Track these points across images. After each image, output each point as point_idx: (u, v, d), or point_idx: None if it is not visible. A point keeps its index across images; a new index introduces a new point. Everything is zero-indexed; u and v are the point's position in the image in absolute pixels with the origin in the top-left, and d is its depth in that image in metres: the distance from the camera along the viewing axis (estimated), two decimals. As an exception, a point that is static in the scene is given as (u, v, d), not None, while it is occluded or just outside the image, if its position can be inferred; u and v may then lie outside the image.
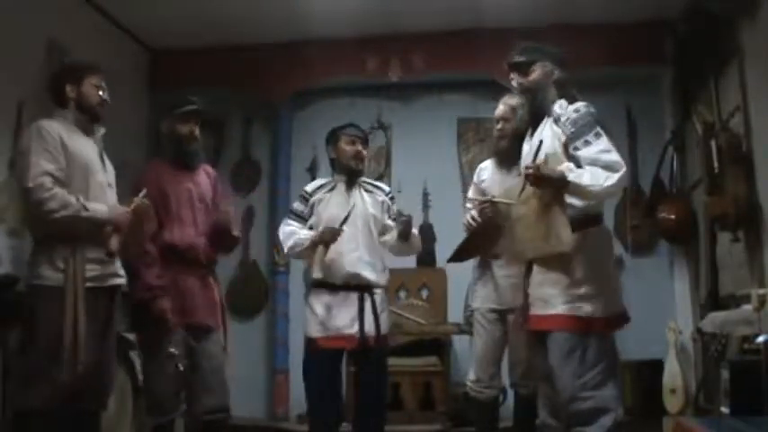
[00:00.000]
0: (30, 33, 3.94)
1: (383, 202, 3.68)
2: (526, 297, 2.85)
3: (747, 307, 3.45)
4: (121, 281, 3.09)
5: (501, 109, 3.55)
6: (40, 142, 2.86)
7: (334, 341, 3.45)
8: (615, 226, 5.16)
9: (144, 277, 3.12)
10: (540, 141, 2.79)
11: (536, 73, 2.87)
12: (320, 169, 5.27)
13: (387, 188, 3.82)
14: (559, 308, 2.68)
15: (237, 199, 5.59)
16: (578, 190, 2.60)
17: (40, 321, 2.82)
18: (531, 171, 2.63)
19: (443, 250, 4.71)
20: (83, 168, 2.94)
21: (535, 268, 2.80)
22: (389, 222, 3.66)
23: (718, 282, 4.33)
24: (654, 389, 4.71)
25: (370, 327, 3.46)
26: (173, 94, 3.69)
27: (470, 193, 3.68)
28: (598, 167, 2.59)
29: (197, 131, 3.39)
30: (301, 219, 3.61)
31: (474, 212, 3.37)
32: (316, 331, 3.47)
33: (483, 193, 3.56)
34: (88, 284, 2.88)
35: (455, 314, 4.79)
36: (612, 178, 2.57)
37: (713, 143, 4.13)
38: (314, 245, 3.44)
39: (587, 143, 2.64)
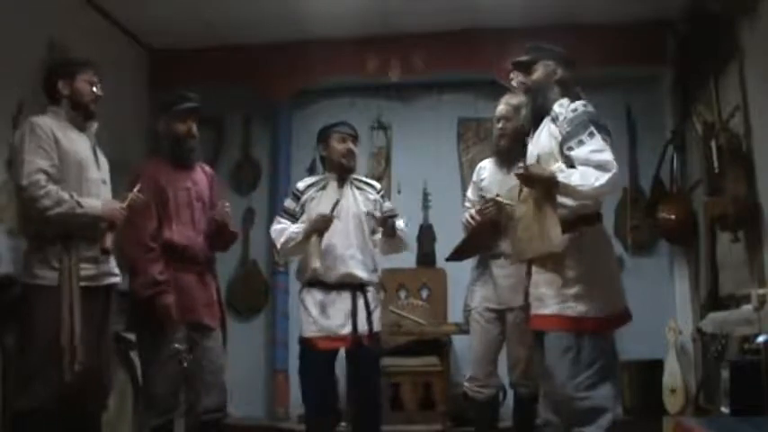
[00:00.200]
0: (30, 33, 3.94)
1: (375, 200, 3.68)
2: (526, 296, 2.87)
3: (747, 307, 3.45)
4: (116, 279, 3.09)
5: (502, 108, 3.55)
6: (34, 139, 2.86)
7: (329, 342, 3.47)
8: (615, 226, 5.17)
9: (148, 273, 3.11)
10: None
11: (538, 72, 2.87)
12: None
13: (378, 185, 3.83)
14: (553, 308, 2.70)
15: (237, 199, 5.60)
16: (568, 190, 2.61)
17: (35, 321, 2.81)
18: (520, 171, 2.66)
19: (443, 250, 4.70)
20: (76, 165, 2.94)
21: (533, 268, 2.82)
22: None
23: (718, 282, 4.33)
24: (654, 389, 4.72)
25: (363, 325, 3.48)
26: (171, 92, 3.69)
27: (469, 193, 3.69)
28: (590, 167, 2.59)
29: (195, 129, 3.38)
30: (293, 217, 3.62)
31: (473, 212, 3.38)
32: (310, 331, 3.49)
33: (482, 192, 3.57)
34: (83, 284, 2.87)
35: (455, 314, 4.80)
36: (603, 178, 2.56)
37: (713, 143, 4.13)
38: (307, 236, 3.45)
39: (581, 143, 2.64)
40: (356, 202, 3.62)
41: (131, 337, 3.53)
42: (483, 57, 5.18)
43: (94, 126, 3.10)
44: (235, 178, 5.69)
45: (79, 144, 2.99)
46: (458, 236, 3.46)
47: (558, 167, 2.65)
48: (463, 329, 4.25)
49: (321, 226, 3.43)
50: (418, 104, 5.67)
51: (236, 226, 5.38)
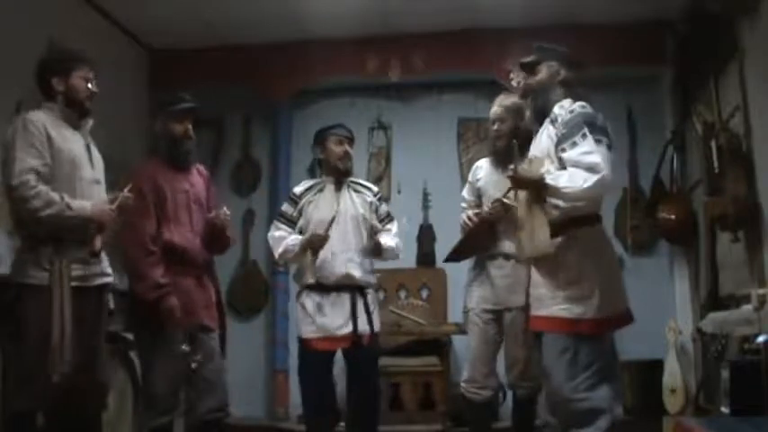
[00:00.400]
0: (30, 33, 3.93)
1: (371, 203, 3.70)
2: (527, 297, 2.88)
3: (747, 307, 3.45)
4: (108, 280, 3.07)
5: (495, 110, 3.55)
6: (26, 137, 2.82)
7: (329, 342, 3.48)
8: (615, 226, 5.17)
9: (150, 276, 3.10)
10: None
11: (542, 73, 2.86)
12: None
13: (375, 188, 3.85)
14: (549, 309, 2.70)
15: (237, 199, 5.60)
16: (556, 192, 2.61)
17: (25, 320, 2.80)
18: (511, 173, 2.68)
19: (443, 250, 4.70)
20: (69, 164, 2.90)
21: (532, 269, 2.82)
22: (377, 224, 3.68)
23: (718, 282, 4.33)
24: (654, 389, 4.72)
25: (363, 326, 3.49)
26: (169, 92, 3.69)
27: (465, 192, 3.68)
28: (580, 169, 2.58)
29: (191, 130, 3.37)
30: (290, 222, 3.64)
31: (470, 212, 3.38)
32: (309, 332, 3.50)
33: (478, 192, 3.57)
34: (75, 284, 2.86)
35: (455, 314, 4.79)
36: (590, 180, 2.55)
37: (713, 143, 4.14)
38: (303, 250, 3.47)
39: (574, 144, 2.63)
40: (354, 204, 3.63)
41: (131, 337, 3.53)
42: (483, 57, 5.19)
43: (89, 123, 3.06)
44: (235, 179, 5.70)
45: (73, 142, 2.95)
46: (458, 236, 3.46)
47: (546, 169, 2.66)
48: (463, 329, 4.23)
49: (316, 245, 3.46)
50: (418, 104, 5.67)
51: (236, 227, 5.48)
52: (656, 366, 4.77)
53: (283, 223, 3.64)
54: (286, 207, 3.70)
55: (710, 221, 4.29)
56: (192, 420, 3.23)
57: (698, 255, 4.78)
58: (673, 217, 4.83)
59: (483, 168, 3.61)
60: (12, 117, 3.58)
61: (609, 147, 2.65)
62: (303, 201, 3.65)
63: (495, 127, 3.54)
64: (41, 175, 2.81)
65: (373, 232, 3.63)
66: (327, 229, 3.49)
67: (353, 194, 3.67)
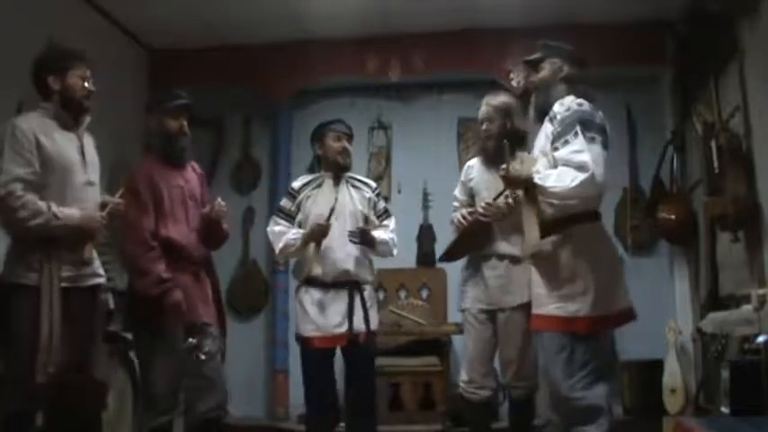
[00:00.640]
0: (30, 33, 3.93)
1: (369, 199, 3.70)
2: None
3: (747, 307, 3.45)
4: (101, 280, 3.07)
5: (483, 110, 3.56)
6: (13, 145, 2.80)
7: (326, 340, 3.49)
8: (615, 226, 5.17)
9: (153, 271, 3.09)
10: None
11: (545, 70, 2.86)
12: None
13: (373, 184, 3.85)
14: (547, 308, 2.71)
15: (237, 199, 5.60)
16: (544, 191, 2.62)
17: (16, 321, 2.80)
18: (503, 173, 2.70)
19: (443, 250, 4.71)
20: (60, 168, 2.88)
21: (533, 267, 2.84)
22: (374, 219, 3.69)
23: (718, 282, 4.33)
24: (654, 389, 4.71)
25: (359, 324, 3.49)
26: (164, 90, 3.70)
27: (457, 192, 3.68)
28: (571, 168, 2.58)
29: (186, 127, 3.36)
30: (289, 216, 3.63)
31: (464, 212, 3.38)
32: (308, 330, 3.51)
33: (471, 191, 3.57)
34: (66, 284, 2.86)
35: (455, 314, 4.79)
36: (578, 179, 2.55)
37: (713, 143, 4.13)
38: (305, 243, 3.46)
39: (566, 143, 2.63)
40: (352, 200, 3.64)
41: (130, 336, 3.53)
42: (483, 57, 5.19)
43: (86, 122, 3.04)
44: (235, 178, 5.70)
45: (65, 145, 2.93)
46: (457, 236, 3.46)
47: (535, 169, 2.66)
48: (462, 329, 4.25)
49: (318, 236, 3.46)
50: (418, 104, 5.67)
51: (236, 226, 5.48)
52: (656, 366, 4.77)
53: (282, 218, 3.64)
54: (284, 202, 3.70)
55: (710, 221, 4.29)
56: (191, 419, 3.23)
57: (698, 255, 4.78)
58: (673, 217, 4.83)
59: (475, 168, 3.61)
60: (12, 117, 3.59)
61: (604, 145, 2.64)
62: (301, 195, 3.65)
63: (484, 127, 3.54)
64: (29, 183, 2.79)
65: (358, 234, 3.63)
66: (328, 219, 3.48)
67: (352, 190, 3.67)
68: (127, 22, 5.08)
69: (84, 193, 2.97)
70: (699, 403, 4.40)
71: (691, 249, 4.95)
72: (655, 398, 4.69)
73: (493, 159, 3.51)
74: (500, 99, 3.55)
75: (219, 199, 3.39)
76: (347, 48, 5.28)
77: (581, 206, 2.66)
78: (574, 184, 2.55)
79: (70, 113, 2.98)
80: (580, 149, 2.58)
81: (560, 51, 2.88)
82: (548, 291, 2.71)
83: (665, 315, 4.93)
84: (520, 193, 2.80)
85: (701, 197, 4.56)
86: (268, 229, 3.68)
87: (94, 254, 3.06)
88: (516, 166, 2.70)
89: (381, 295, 5.15)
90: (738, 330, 3.57)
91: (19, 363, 2.76)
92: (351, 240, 3.56)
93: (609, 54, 4.95)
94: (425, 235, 5.42)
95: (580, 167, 2.56)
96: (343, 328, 3.47)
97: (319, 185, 3.66)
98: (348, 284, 3.52)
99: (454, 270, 4.51)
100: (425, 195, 5.50)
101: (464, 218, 3.34)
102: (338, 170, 3.66)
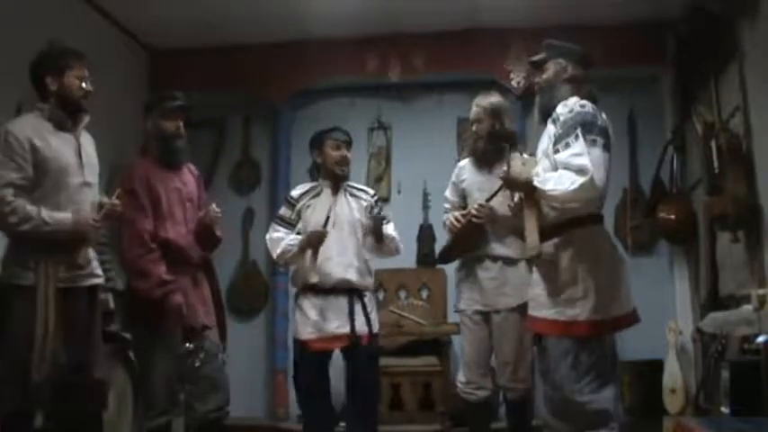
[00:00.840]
0: (30, 33, 3.93)
1: (367, 207, 3.68)
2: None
3: (747, 307, 3.45)
4: (98, 281, 3.07)
5: (473, 111, 3.56)
6: (6, 150, 2.82)
7: (326, 342, 3.48)
8: (615, 226, 5.16)
9: (154, 273, 3.10)
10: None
11: (549, 71, 2.85)
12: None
13: (371, 191, 3.84)
14: (548, 311, 2.69)
15: (237, 199, 5.60)
16: (543, 195, 2.61)
17: (12, 320, 2.80)
18: (503, 175, 2.69)
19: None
20: (56, 170, 2.89)
21: (533, 269, 2.84)
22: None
23: (718, 282, 4.33)
24: (654, 389, 4.71)
25: (361, 326, 3.49)
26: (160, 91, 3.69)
27: (448, 193, 3.68)
28: (570, 171, 2.56)
29: (183, 128, 3.36)
30: (289, 225, 3.63)
31: (457, 214, 3.38)
32: (307, 333, 3.50)
33: (462, 193, 3.57)
34: (63, 285, 2.86)
35: (455, 314, 4.79)
36: (577, 182, 2.53)
37: (713, 143, 4.13)
38: (302, 249, 3.46)
39: (567, 145, 2.61)
40: (350, 208, 3.63)
41: (130, 336, 3.53)
42: (483, 57, 5.20)
43: (84, 122, 3.04)
44: (234, 179, 5.69)
45: (61, 147, 2.93)
46: (457, 236, 3.46)
47: (535, 171, 2.65)
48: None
49: (315, 242, 3.45)
50: (418, 104, 5.67)
51: (236, 226, 5.48)
52: (656, 366, 4.77)
53: (281, 226, 3.63)
54: (284, 210, 3.69)
55: (710, 221, 4.28)
56: (191, 420, 3.23)
57: (698, 255, 4.77)
58: (673, 217, 4.83)
59: (466, 169, 3.61)
60: (12, 117, 3.59)
61: (606, 148, 2.60)
62: (300, 204, 3.64)
63: (474, 128, 3.55)
64: (20, 188, 2.81)
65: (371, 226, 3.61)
66: (324, 225, 3.48)
67: (350, 199, 3.66)
68: (127, 22, 5.08)
69: (81, 195, 2.97)
70: (699, 403, 4.39)
71: (691, 249, 4.95)
72: (655, 398, 4.69)
73: (483, 160, 3.52)
74: (490, 100, 3.55)
75: (214, 205, 3.38)
76: (347, 48, 5.28)
77: (583, 209, 2.65)
78: (573, 187, 2.53)
79: (67, 114, 2.98)
80: (580, 152, 2.56)
81: (565, 51, 2.86)
82: (548, 294, 2.70)
83: (665, 315, 4.92)
84: (517, 195, 2.79)
85: (701, 197, 4.55)
86: (267, 236, 3.67)
87: (92, 254, 3.06)
88: (517, 168, 2.68)
89: (381, 295, 5.15)
90: (738, 330, 3.57)
91: (15, 362, 2.77)
92: (370, 217, 3.56)
93: (609, 54, 4.94)
94: (425, 235, 5.42)
95: (579, 171, 2.54)
96: (344, 329, 3.46)
97: (318, 194, 3.65)
98: (347, 292, 3.52)
99: (454, 270, 4.51)
100: (425, 195, 5.49)
101: (457, 220, 3.34)
102: (337, 179, 3.66)
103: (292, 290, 5.44)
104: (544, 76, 2.86)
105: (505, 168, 2.70)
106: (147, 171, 3.27)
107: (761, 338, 3.21)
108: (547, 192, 2.59)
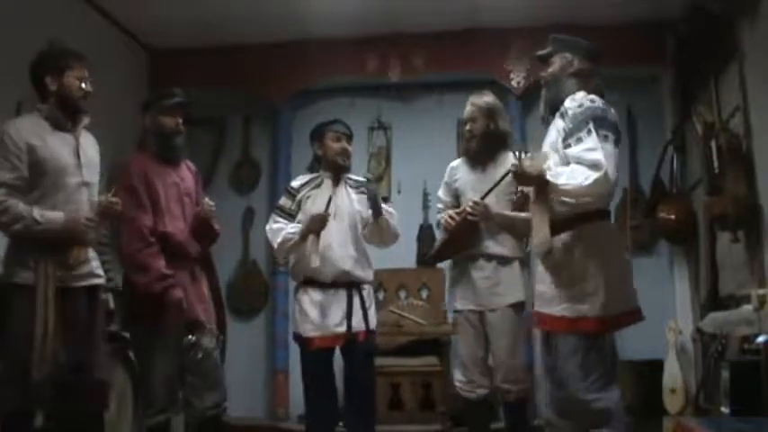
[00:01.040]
0: (30, 33, 3.93)
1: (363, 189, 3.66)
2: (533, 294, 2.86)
3: (747, 307, 3.45)
4: (99, 281, 3.07)
5: (467, 110, 3.55)
6: (1, 150, 2.83)
7: (328, 340, 3.48)
8: (615, 226, 5.17)
9: (154, 267, 3.09)
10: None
11: (555, 65, 2.82)
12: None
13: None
14: (556, 308, 2.67)
15: (237, 199, 5.60)
16: (556, 189, 2.57)
17: (11, 319, 2.81)
18: (514, 169, 2.63)
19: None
20: (53, 170, 2.90)
21: (539, 265, 2.80)
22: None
23: (718, 282, 4.33)
24: (654, 389, 4.71)
25: (359, 323, 3.48)
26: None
27: (441, 193, 3.67)
28: (583, 166, 2.54)
29: (182, 124, 3.36)
30: (289, 215, 3.61)
31: (452, 212, 3.37)
32: (308, 330, 3.49)
33: (456, 192, 3.57)
34: (63, 284, 2.87)
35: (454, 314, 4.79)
36: (591, 177, 2.51)
37: (713, 143, 4.14)
38: (304, 236, 3.45)
39: (579, 140, 2.59)
40: (351, 200, 3.62)
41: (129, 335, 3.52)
42: (483, 57, 5.20)
43: (84, 123, 3.05)
44: (235, 178, 5.70)
45: (59, 147, 2.94)
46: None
47: (547, 165, 2.61)
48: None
49: (317, 226, 3.43)
50: (418, 104, 5.67)
51: (236, 226, 5.48)
52: (656, 366, 4.77)
53: (281, 216, 3.62)
54: (284, 201, 3.68)
55: (710, 221, 4.28)
56: (191, 417, 3.23)
57: (698, 255, 4.78)
58: (673, 217, 4.83)
59: (459, 169, 3.60)
60: (12, 117, 3.59)
61: (616, 143, 2.60)
62: (300, 195, 3.63)
63: (468, 127, 3.54)
64: (13, 188, 2.82)
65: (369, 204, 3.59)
66: (326, 209, 3.45)
67: (350, 190, 3.66)
68: (127, 22, 5.08)
69: (79, 194, 2.98)
70: (699, 403, 4.39)
71: (691, 249, 4.95)
72: (655, 398, 4.69)
73: (476, 159, 3.52)
74: (485, 99, 3.54)
75: (207, 198, 3.38)
76: (347, 48, 5.28)
77: (593, 204, 2.64)
78: (587, 182, 2.51)
79: (66, 114, 2.99)
80: (593, 147, 2.55)
81: (571, 45, 2.83)
82: (557, 290, 2.67)
83: (665, 315, 4.92)
84: (527, 190, 2.74)
85: (701, 197, 4.55)
86: (267, 227, 3.65)
87: (92, 254, 3.06)
88: (527, 163, 2.64)
89: (381, 295, 5.15)
90: (738, 330, 3.57)
91: (15, 362, 2.77)
92: (362, 191, 3.55)
93: (609, 54, 4.88)
94: (425, 235, 5.42)
95: (593, 166, 2.52)
96: (343, 328, 3.46)
97: (318, 185, 3.65)
98: (347, 284, 3.51)
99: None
100: (425, 195, 5.49)
101: (452, 218, 3.34)
102: (337, 171, 3.65)
103: (292, 289, 5.46)
104: (550, 70, 2.84)
105: (516, 162, 2.64)
106: (145, 167, 3.27)
107: (761, 338, 3.21)
108: (560, 186, 2.55)
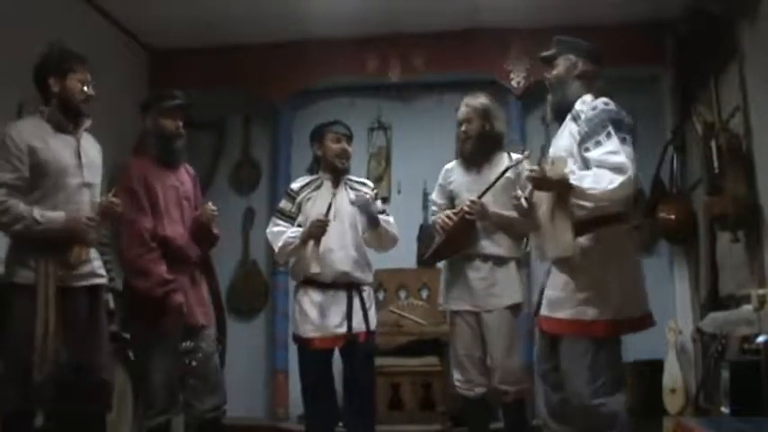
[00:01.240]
0: (30, 33, 3.93)
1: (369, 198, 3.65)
2: (541, 295, 2.81)
3: (747, 307, 3.45)
4: (101, 281, 3.08)
5: (462, 111, 3.54)
6: (2, 152, 2.85)
7: (328, 341, 3.48)
8: (615, 226, 5.16)
9: (155, 272, 3.10)
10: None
11: (559, 67, 2.80)
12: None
13: (371, 184, 3.83)
14: (568, 311, 2.63)
15: (237, 199, 5.60)
16: (581, 194, 2.53)
17: (12, 319, 2.82)
18: (534, 174, 2.58)
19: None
20: (54, 172, 2.91)
21: (553, 269, 2.75)
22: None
23: (718, 282, 4.33)
24: (654, 389, 4.71)
25: (359, 324, 3.48)
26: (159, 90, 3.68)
27: (435, 196, 3.66)
28: (606, 170, 2.51)
29: (182, 127, 3.36)
30: (289, 218, 3.62)
31: (449, 213, 3.36)
32: (308, 331, 3.49)
33: (450, 194, 3.56)
34: (64, 284, 2.87)
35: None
36: (616, 182, 2.48)
37: (713, 143, 4.13)
38: (304, 241, 3.45)
39: (598, 144, 2.56)
40: (351, 202, 3.61)
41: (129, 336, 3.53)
42: (483, 57, 5.20)
43: (85, 125, 3.05)
44: (235, 179, 5.70)
45: (60, 149, 2.95)
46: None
47: (569, 170, 2.57)
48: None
49: (317, 232, 3.44)
50: (418, 104, 5.67)
51: (236, 226, 5.48)
52: (656, 366, 4.77)
53: (282, 219, 3.62)
54: (284, 203, 3.68)
55: (710, 221, 4.28)
56: (191, 419, 3.23)
57: (698, 255, 4.78)
58: (673, 217, 4.83)
59: (454, 170, 3.60)
60: (12, 118, 3.60)
61: (633, 145, 2.60)
62: (300, 197, 3.63)
63: (463, 128, 3.53)
64: (14, 188, 2.83)
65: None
66: (327, 214, 3.46)
67: (350, 192, 3.65)
68: (127, 22, 5.08)
69: (80, 195, 2.98)
70: (699, 403, 4.39)
71: (691, 249, 4.95)
72: (655, 398, 4.69)
73: (471, 161, 3.51)
74: (480, 100, 3.53)
75: (210, 203, 3.38)
76: (347, 48, 5.28)
77: (612, 207, 2.61)
78: (612, 186, 2.49)
79: (68, 117, 3.00)
80: (615, 150, 2.53)
81: (575, 47, 2.82)
82: (571, 293, 2.63)
83: (666, 315, 4.91)
84: (542, 194, 2.68)
85: (701, 197, 4.55)
86: (267, 230, 3.66)
87: (94, 254, 3.06)
88: (547, 167, 2.60)
89: (381, 295, 5.15)
90: (738, 330, 3.57)
91: (15, 362, 2.77)
92: (352, 203, 3.54)
93: (609, 54, 4.88)
94: (425, 235, 5.40)
95: (617, 169, 2.50)
96: (343, 329, 3.46)
97: (318, 187, 3.65)
98: (347, 285, 3.51)
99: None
100: (425, 195, 5.48)
101: (449, 218, 3.33)
102: (337, 172, 3.65)
103: (292, 290, 5.46)
104: (554, 72, 2.82)
105: (537, 167, 2.60)
106: (145, 170, 3.27)
107: (761, 338, 3.21)
108: (587, 191, 2.51)
